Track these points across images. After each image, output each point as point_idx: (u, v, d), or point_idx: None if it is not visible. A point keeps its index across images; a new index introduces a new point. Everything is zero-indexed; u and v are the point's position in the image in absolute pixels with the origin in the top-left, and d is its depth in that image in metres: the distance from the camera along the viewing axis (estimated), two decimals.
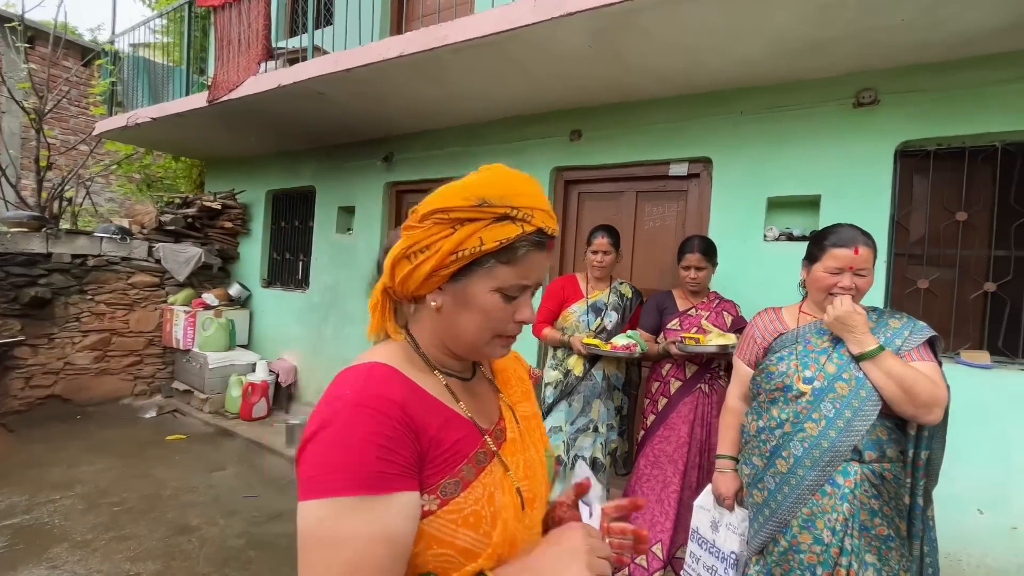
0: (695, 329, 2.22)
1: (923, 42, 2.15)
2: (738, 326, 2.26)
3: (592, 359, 2.35)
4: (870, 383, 1.37)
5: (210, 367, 4.45)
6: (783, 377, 1.51)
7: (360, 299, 4.25)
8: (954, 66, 2.25)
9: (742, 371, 1.71)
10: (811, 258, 1.56)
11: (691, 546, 1.81)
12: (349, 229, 4.50)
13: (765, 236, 2.68)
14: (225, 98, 3.51)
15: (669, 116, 2.92)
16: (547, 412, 2.39)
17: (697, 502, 1.82)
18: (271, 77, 3.23)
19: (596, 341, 2.24)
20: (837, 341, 1.46)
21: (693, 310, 2.30)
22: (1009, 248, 2.25)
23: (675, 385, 2.27)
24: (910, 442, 1.38)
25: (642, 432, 2.37)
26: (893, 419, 1.38)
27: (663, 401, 2.29)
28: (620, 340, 2.22)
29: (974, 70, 2.22)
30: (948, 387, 1.34)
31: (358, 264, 4.31)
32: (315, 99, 3.40)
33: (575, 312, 2.41)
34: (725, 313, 2.29)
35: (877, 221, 2.40)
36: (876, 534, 1.37)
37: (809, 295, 1.61)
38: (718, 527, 1.72)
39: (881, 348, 1.35)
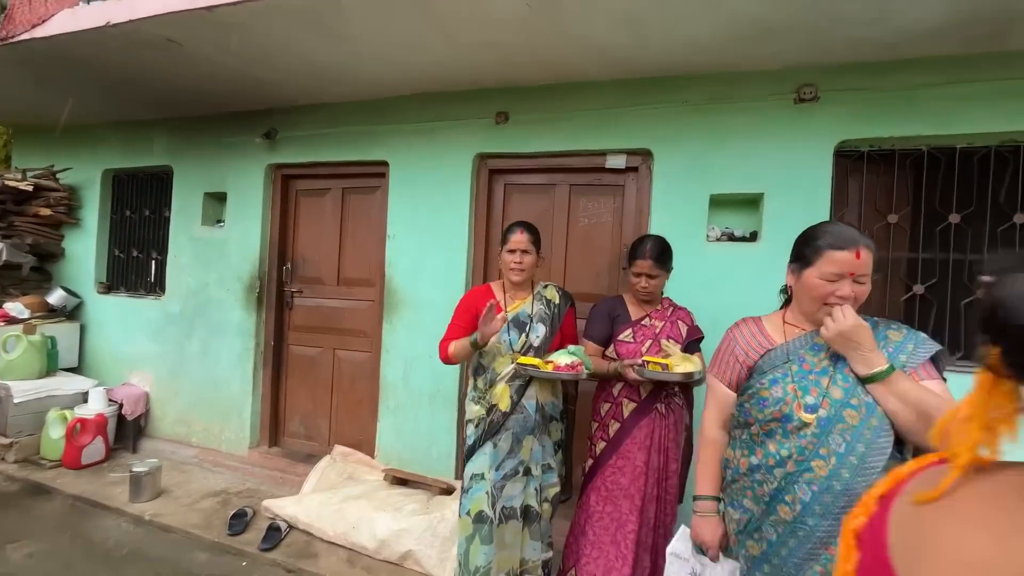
0: (647, 344, 1.96)
1: (862, 39, 2.09)
2: (693, 336, 2.03)
3: (522, 386, 1.93)
4: (880, 409, 1.15)
5: (15, 401, 3.33)
6: (780, 404, 1.24)
7: (234, 306, 3.47)
8: (888, 67, 2.23)
9: (721, 394, 1.42)
10: (802, 261, 1.31)
11: None
12: (219, 221, 3.65)
13: (708, 236, 2.51)
14: (25, 36, 2.55)
15: (607, 101, 2.64)
16: (468, 455, 1.96)
17: (670, 550, 1.51)
18: (96, 11, 2.38)
19: (535, 361, 1.83)
20: (837, 359, 1.22)
21: (647, 319, 2.01)
22: (934, 251, 2.29)
23: (628, 407, 1.96)
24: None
25: (590, 461, 2.04)
26: (898, 445, 1.17)
27: (615, 426, 1.97)
28: (562, 358, 1.81)
29: (906, 72, 2.22)
30: None
31: (230, 263, 3.50)
32: (167, 51, 2.60)
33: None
34: (680, 323, 2.03)
35: (818, 221, 2.32)
36: None
37: (796, 304, 1.36)
38: None
39: (892, 368, 1.13)
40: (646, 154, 2.64)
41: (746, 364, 1.35)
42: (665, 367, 1.76)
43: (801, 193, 2.35)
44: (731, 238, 2.53)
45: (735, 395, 1.40)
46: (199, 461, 3.49)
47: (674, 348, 1.87)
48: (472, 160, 2.92)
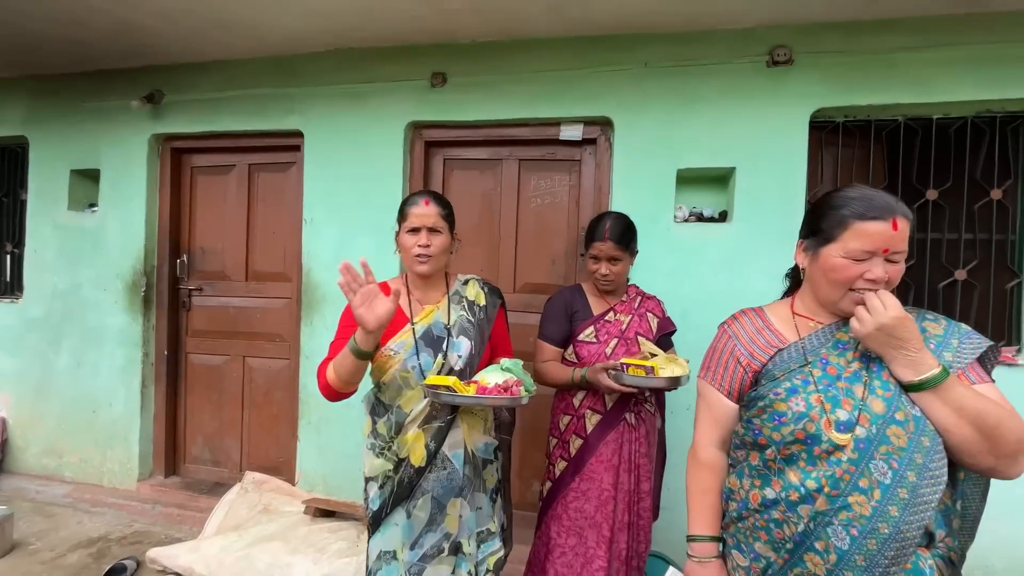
0: (613, 343, 1.63)
1: None
2: (665, 330, 1.73)
3: (442, 429, 1.36)
4: (931, 426, 0.87)
5: None
6: (803, 421, 0.94)
7: (114, 309, 2.83)
8: (866, 27, 2.03)
9: (718, 406, 1.11)
10: (819, 236, 1.00)
11: None
12: (92, 205, 2.98)
13: (675, 216, 2.23)
14: None
15: (561, 62, 2.29)
16: (372, 525, 1.40)
17: None
18: None
19: (449, 380, 1.26)
20: (870, 360, 0.94)
21: (611, 313, 1.67)
22: (911, 230, 2.13)
23: (593, 420, 1.63)
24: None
25: (548, 484, 1.70)
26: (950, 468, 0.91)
27: (577, 442, 1.64)
28: (491, 377, 1.30)
29: (885, 34, 2.02)
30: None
31: (108, 257, 2.86)
32: None
33: (397, 353, 1.35)
34: (650, 315, 1.70)
35: (794, 201, 2.11)
36: None
37: (807, 290, 1.07)
38: None
39: (947, 372, 0.86)
40: (605, 124, 2.32)
41: (751, 367, 1.05)
42: (651, 371, 1.42)
43: (774, 168, 2.12)
44: (699, 218, 2.26)
45: (736, 407, 1.10)
46: (73, 501, 2.84)
47: (652, 347, 1.55)
48: (404, 130, 2.48)
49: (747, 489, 1.04)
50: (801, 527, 0.94)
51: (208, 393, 2.91)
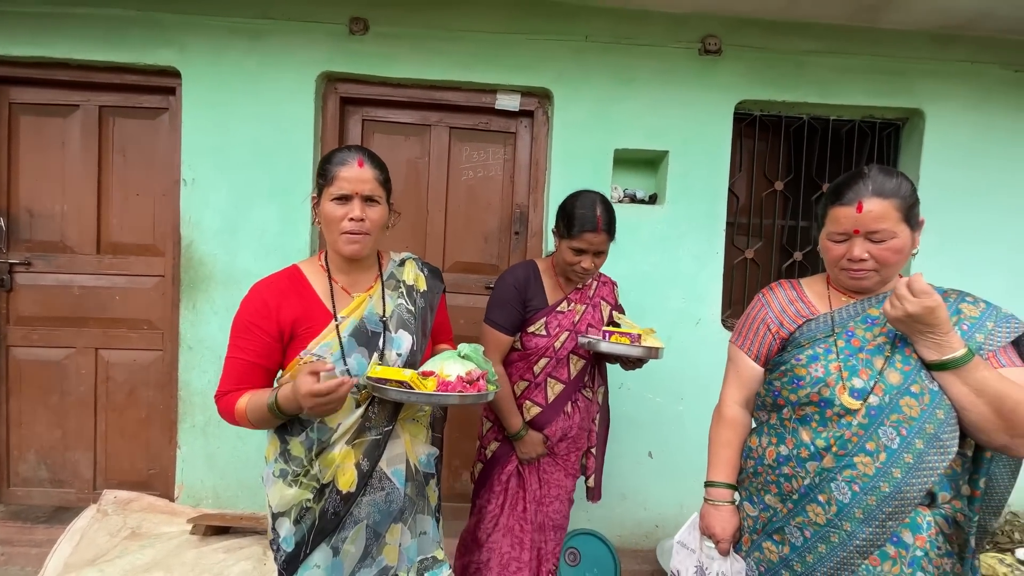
0: (563, 337, 1.51)
1: None
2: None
3: (376, 443, 1.11)
4: (947, 400, 0.93)
5: None
6: (819, 385, 1.00)
7: None
8: (783, 27, 2.18)
9: (745, 368, 1.17)
10: (820, 221, 1.07)
11: None
12: None
13: (611, 197, 2.22)
14: None
15: (501, 24, 2.13)
16: (283, 571, 1.11)
17: (677, 538, 1.28)
18: None
19: (399, 373, 1.02)
20: (896, 336, 0.98)
21: (566, 303, 1.53)
22: (811, 219, 2.37)
23: (531, 411, 1.54)
24: (969, 466, 1.01)
25: (479, 465, 1.62)
26: (963, 441, 0.98)
27: (493, 446, 1.60)
28: (451, 367, 1.08)
29: (798, 36, 2.19)
30: None
31: None
32: None
33: (320, 358, 1.08)
34: (603, 303, 1.60)
35: (719, 187, 2.22)
36: None
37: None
38: (706, 575, 1.17)
39: (971, 353, 0.91)
40: (543, 96, 2.22)
41: (780, 335, 1.11)
42: (636, 338, 1.38)
43: (703, 154, 2.20)
44: (632, 200, 2.28)
45: (763, 371, 1.15)
46: None
47: (628, 322, 1.49)
48: (316, 81, 2.13)
49: (764, 447, 1.11)
50: (807, 481, 1.00)
51: (43, 396, 2.28)
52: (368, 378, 1.03)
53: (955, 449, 0.93)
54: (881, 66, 2.21)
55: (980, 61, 2.23)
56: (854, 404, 0.95)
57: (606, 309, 1.61)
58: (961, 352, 0.90)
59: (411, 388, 1.00)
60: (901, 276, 1.03)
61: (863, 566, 0.95)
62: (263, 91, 2.11)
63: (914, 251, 1.01)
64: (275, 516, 1.12)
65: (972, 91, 2.24)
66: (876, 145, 2.36)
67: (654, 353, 1.40)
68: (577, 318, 1.53)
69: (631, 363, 1.52)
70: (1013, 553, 2.06)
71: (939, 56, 2.21)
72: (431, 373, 1.05)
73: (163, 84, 2.17)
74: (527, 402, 1.55)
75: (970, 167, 2.25)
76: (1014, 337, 0.96)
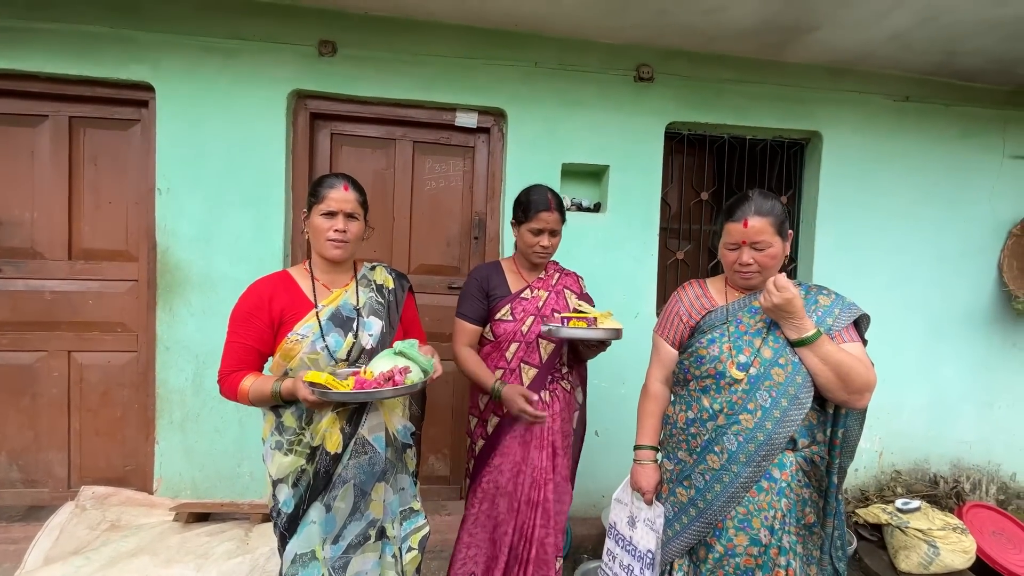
0: (529, 321, 1.67)
1: (693, 27, 2.28)
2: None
3: (356, 411, 1.34)
4: (805, 368, 1.24)
5: None
6: (715, 362, 1.30)
7: None
8: (705, 59, 2.51)
9: (664, 352, 1.47)
10: (719, 232, 1.38)
11: (608, 543, 1.55)
12: None
13: None
14: None
15: (458, 49, 2.36)
16: (284, 533, 1.33)
17: (615, 496, 1.55)
18: None
19: (321, 378, 1.20)
20: (771, 321, 1.29)
21: (528, 291, 1.73)
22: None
23: None
24: (827, 420, 1.33)
25: (472, 462, 1.77)
26: (818, 399, 1.29)
27: (494, 420, 1.70)
28: (379, 364, 1.26)
29: (717, 67, 2.52)
30: (873, 365, 1.31)
31: None
32: None
33: (305, 336, 1.32)
34: (567, 291, 1.78)
35: (653, 197, 2.53)
36: (804, 523, 1.28)
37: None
38: (635, 523, 1.46)
39: (819, 333, 1.22)
40: (499, 114, 2.46)
41: (689, 324, 1.39)
42: (592, 321, 1.52)
43: (639, 168, 2.51)
44: (579, 208, 2.56)
45: (677, 353, 1.43)
46: None
47: (589, 308, 1.65)
48: (287, 98, 2.29)
49: (676, 414, 1.40)
50: (707, 436, 1.30)
51: (14, 399, 2.34)
52: (306, 381, 1.20)
53: (809, 405, 1.24)
54: (786, 94, 2.59)
55: (866, 92, 2.64)
56: (739, 375, 1.25)
57: (571, 297, 1.76)
58: (812, 332, 1.21)
59: (325, 388, 1.17)
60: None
61: (746, 497, 1.25)
62: (236, 107, 2.26)
63: (786, 256, 1.32)
64: (275, 484, 1.34)
65: (861, 117, 2.65)
66: (784, 161, 2.74)
67: (614, 334, 1.53)
68: (541, 303, 1.69)
69: (593, 347, 1.66)
70: (893, 503, 2.48)
71: (833, 87, 2.61)
72: (356, 372, 1.24)
73: (136, 97, 2.28)
74: (492, 416, 1.69)
75: (860, 181, 2.66)
76: (853, 319, 1.29)
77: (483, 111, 2.45)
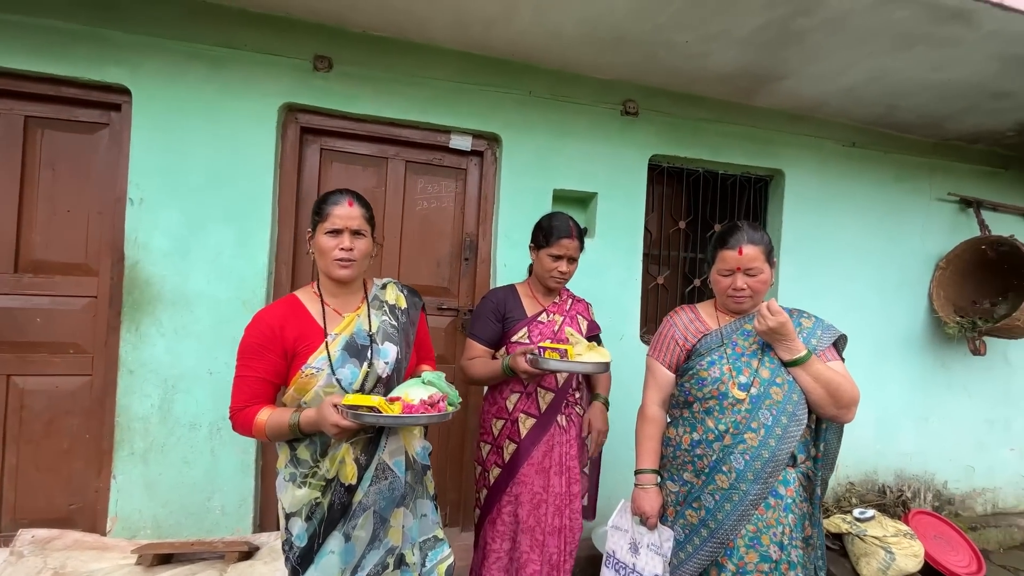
0: (545, 344, 1.65)
1: (677, 69, 2.46)
2: (592, 332, 1.88)
3: (370, 440, 1.29)
4: (798, 387, 1.34)
5: None
6: (717, 383, 1.36)
7: None
8: (684, 99, 2.70)
9: (661, 375, 1.51)
10: (711, 260, 1.47)
11: (606, 572, 1.51)
12: None
13: None
14: None
15: (455, 74, 2.39)
16: (298, 566, 1.26)
17: (611, 523, 1.53)
18: None
19: (366, 399, 1.16)
20: (764, 343, 1.38)
21: (544, 315, 1.76)
22: (706, 252, 2.89)
23: (527, 424, 1.69)
24: (814, 436, 1.43)
25: (484, 491, 1.73)
26: (810, 416, 1.39)
27: (511, 447, 1.68)
28: (415, 392, 1.22)
29: (694, 107, 2.72)
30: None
31: None
32: None
33: (320, 370, 1.26)
34: (579, 317, 1.84)
35: (637, 224, 2.65)
36: (804, 536, 1.36)
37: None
38: (638, 549, 1.45)
39: (810, 353, 1.33)
40: (493, 139, 2.50)
41: (685, 347, 1.45)
42: (564, 354, 1.49)
43: (624, 197, 2.63)
44: None
45: (674, 376, 1.48)
46: None
47: (578, 336, 1.67)
48: (277, 112, 2.22)
49: (680, 435, 1.43)
50: (715, 457, 1.34)
51: None
52: (344, 405, 1.14)
53: (805, 421, 1.34)
54: (754, 135, 2.82)
55: (820, 136, 2.93)
56: (741, 395, 1.33)
57: (584, 323, 1.82)
58: (804, 353, 1.32)
59: (378, 412, 1.14)
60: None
61: (755, 515, 1.32)
62: (222, 117, 2.15)
63: (771, 283, 1.44)
64: (288, 517, 1.27)
65: (817, 158, 2.94)
66: (752, 195, 2.97)
67: (589, 367, 1.50)
68: (557, 327, 1.73)
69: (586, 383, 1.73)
70: (851, 513, 2.68)
71: (794, 130, 2.88)
72: (397, 398, 1.20)
73: (107, 100, 2.12)
74: (522, 414, 1.69)
75: (816, 216, 2.93)
76: (833, 340, 1.41)
77: (477, 135, 2.48)
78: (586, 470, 1.85)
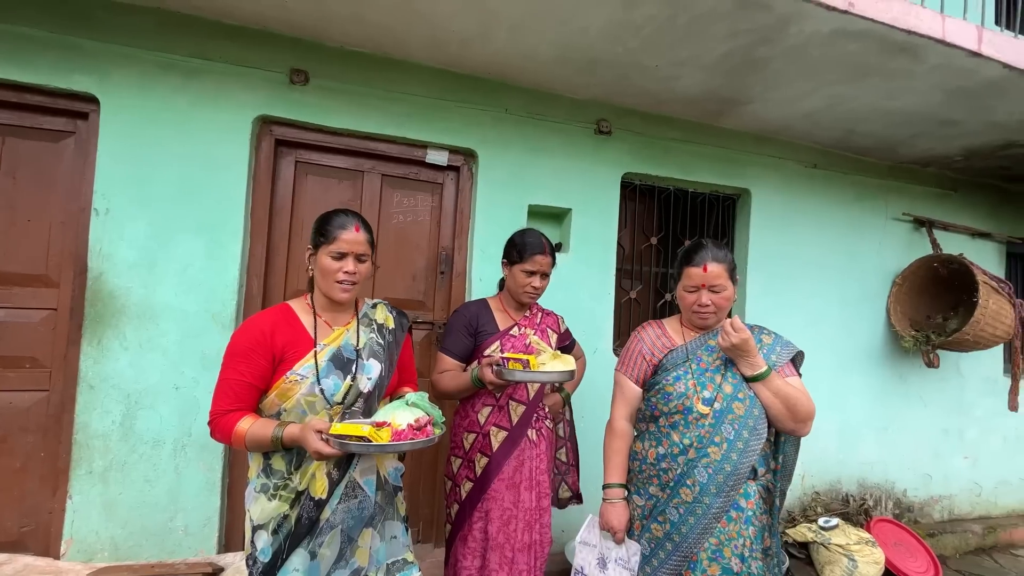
0: (513, 349, 1.73)
1: (648, 91, 2.54)
2: (563, 343, 1.93)
3: (345, 457, 1.27)
4: (759, 402, 1.39)
5: None
6: (682, 398, 1.40)
7: None
8: (655, 119, 2.79)
9: (629, 389, 1.53)
10: (677, 278, 1.51)
11: None
12: None
13: None
14: None
15: (432, 90, 2.42)
16: None
17: (578, 539, 1.53)
18: None
19: (359, 429, 1.16)
20: (727, 359, 1.42)
21: (516, 328, 1.79)
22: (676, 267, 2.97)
23: (499, 437, 1.70)
24: (773, 449, 1.48)
25: (455, 505, 1.73)
26: (769, 430, 1.44)
27: (483, 461, 1.69)
28: (401, 416, 1.22)
29: (665, 127, 2.81)
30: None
31: None
32: None
33: (305, 377, 1.27)
34: (549, 330, 1.87)
35: (610, 239, 2.71)
36: (763, 548, 1.39)
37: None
38: (606, 564, 1.47)
39: (770, 369, 1.38)
40: (469, 154, 2.54)
41: (652, 362, 1.48)
42: (527, 364, 1.49)
43: (597, 213, 2.69)
44: None
45: (641, 391, 1.51)
46: None
47: (544, 346, 1.69)
48: (252, 124, 2.20)
49: (646, 449, 1.46)
50: (679, 471, 1.37)
51: None
52: (331, 435, 1.15)
53: (765, 435, 1.39)
54: (722, 155, 2.93)
55: (784, 157, 3.06)
56: (705, 410, 1.37)
57: (553, 336, 1.87)
58: (764, 369, 1.37)
59: (367, 441, 1.15)
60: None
61: (717, 527, 1.35)
62: (194, 128, 2.13)
63: (735, 299, 1.49)
64: (255, 529, 1.26)
65: (781, 178, 3.06)
66: (721, 213, 3.07)
67: (553, 376, 1.52)
68: (528, 341, 1.75)
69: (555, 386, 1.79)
70: (816, 522, 2.75)
71: (760, 151, 3.00)
72: (385, 423, 1.20)
73: (74, 108, 2.07)
74: (494, 428, 1.70)
75: (781, 234, 3.05)
76: (791, 356, 1.47)
77: (454, 150, 2.51)
78: (562, 456, 1.89)
